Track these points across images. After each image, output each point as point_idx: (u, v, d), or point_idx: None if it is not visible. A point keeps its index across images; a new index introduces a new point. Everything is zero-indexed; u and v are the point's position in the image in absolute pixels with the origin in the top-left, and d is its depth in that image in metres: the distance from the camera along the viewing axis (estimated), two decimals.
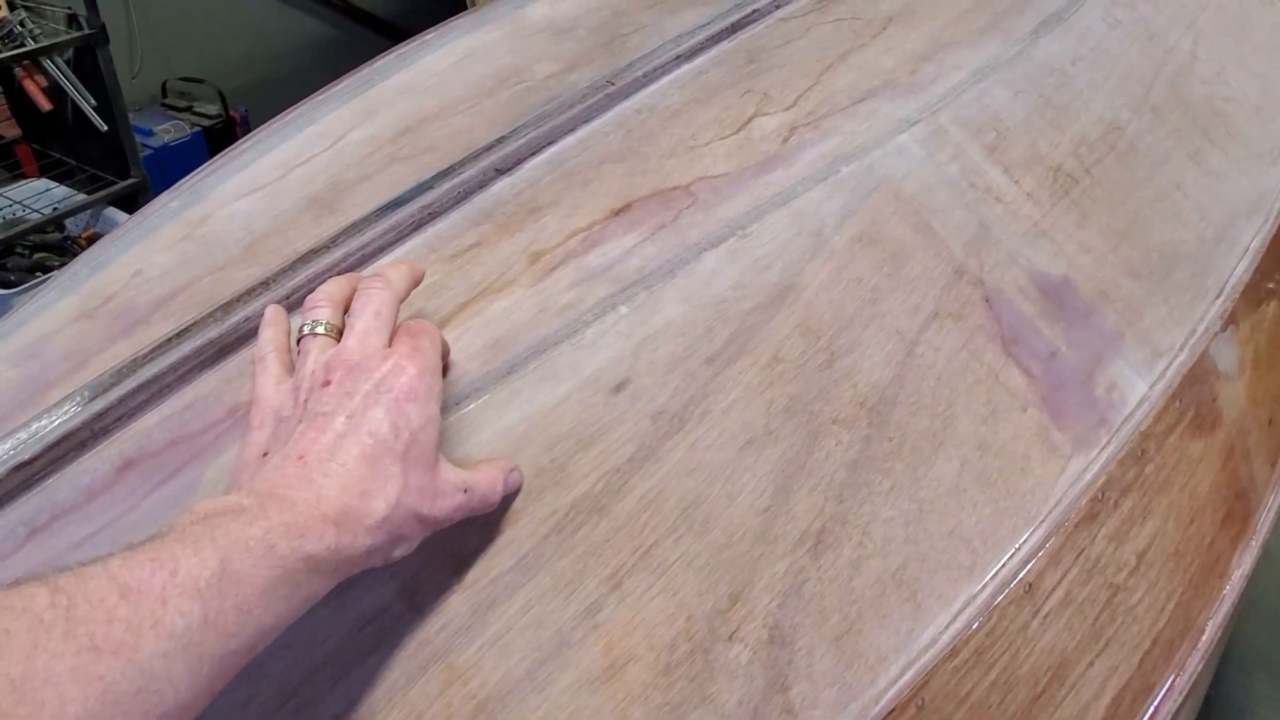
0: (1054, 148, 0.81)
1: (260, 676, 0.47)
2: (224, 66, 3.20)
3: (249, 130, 2.96)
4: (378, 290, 0.51)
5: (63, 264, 2.27)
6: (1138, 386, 0.70)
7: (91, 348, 0.62)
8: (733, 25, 0.87)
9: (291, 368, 0.51)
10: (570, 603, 0.51)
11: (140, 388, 0.57)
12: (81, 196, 2.41)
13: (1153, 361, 0.72)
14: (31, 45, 2.26)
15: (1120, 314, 0.73)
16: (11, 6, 2.25)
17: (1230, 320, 0.78)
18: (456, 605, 0.50)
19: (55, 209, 2.36)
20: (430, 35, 0.92)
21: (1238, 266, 0.82)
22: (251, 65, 3.35)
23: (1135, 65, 0.92)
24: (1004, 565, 0.59)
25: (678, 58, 0.82)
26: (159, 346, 0.59)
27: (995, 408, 0.64)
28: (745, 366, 0.60)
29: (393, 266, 0.54)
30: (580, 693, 0.49)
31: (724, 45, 0.85)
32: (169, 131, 2.90)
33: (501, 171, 0.71)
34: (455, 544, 0.51)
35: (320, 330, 0.50)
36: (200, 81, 3.13)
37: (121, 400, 0.56)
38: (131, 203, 2.46)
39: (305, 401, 0.47)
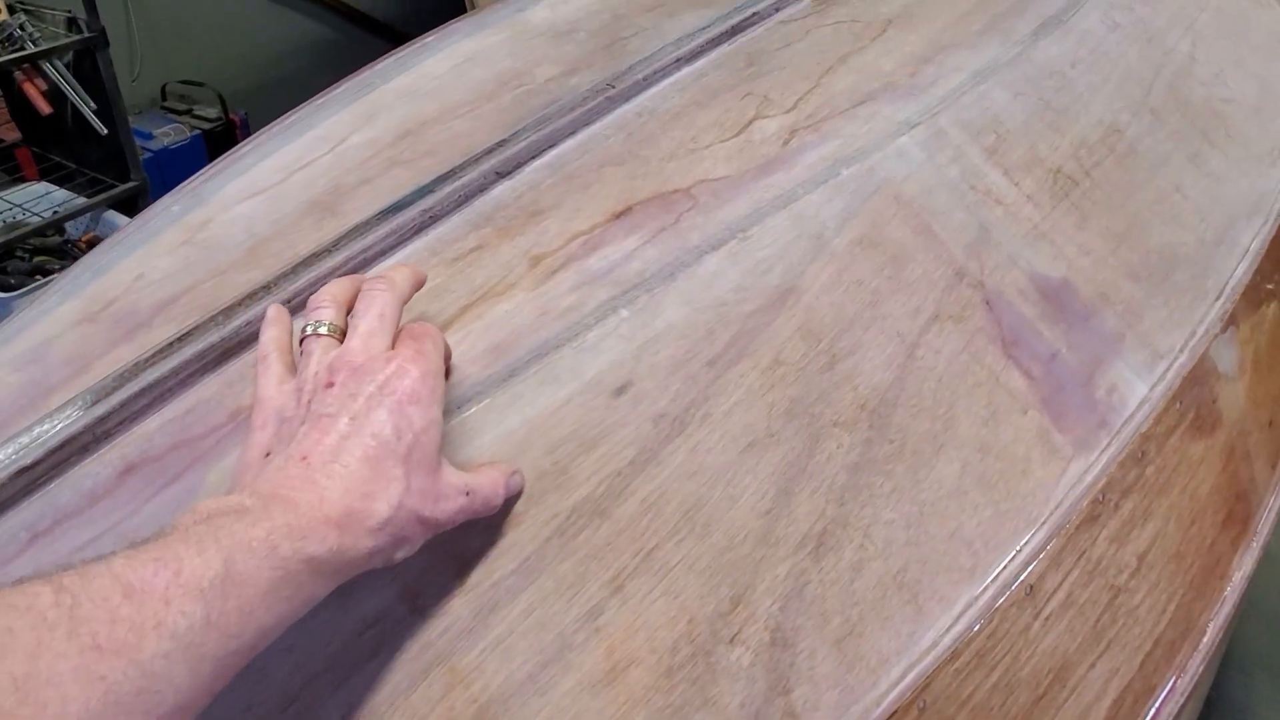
0: (1054, 150, 0.81)
1: (262, 681, 0.47)
2: (224, 69, 3.21)
3: (249, 133, 2.96)
4: (381, 292, 0.51)
5: (63, 267, 2.27)
6: (1138, 388, 0.70)
7: (93, 352, 0.62)
8: (733, 28, 0.87)
9: (294, 368, 0.51)
10: (572, 606, 0.51)
11: (142, 392, 0.57)
12: (81, 200, 2.41)
13: (1153, 363, 0.72)
14: (31, 49, 2.26)
15: (1120, 316, 0.73)
16: (11, 10, 2.25)
17: (1230, 322, 0.79)
18: (458, 608, 0.50)
19: (55, 212, 2.36)
20: (430, 38, 0.92)
21: (1237, 268, 0.82)
22: (251, 68, 3.36)
23: (1134, 67, 0.92)
24: (1005, 567, 0.59)
25: (678, 61, 0.82)
26: (161, 350, 0.59)
27: (996, 410, 0.64)
28: (746, 369, 0.60)
29: (396, 269, 0.54)
30: (582, 696, 0.49)
31: (724, 48, 0.85)
32: (169, 134, 2.91)
33: (502, 175, 0.71)
34: (457, 547, 0.51)
35: (324, 331, 0.50)
36: (200, 84, 3.13)
37: (123, 404, 0.56)
38: (131, 206, 2.46)
39: (308, 402, 0.47)
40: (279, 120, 0.83)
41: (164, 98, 3.19)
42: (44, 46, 2.27)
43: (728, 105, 0.78)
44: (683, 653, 0.51)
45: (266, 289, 0.63)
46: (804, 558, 0.55)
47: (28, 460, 0.54)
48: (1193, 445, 0.71)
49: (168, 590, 0.36)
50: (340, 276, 0.63)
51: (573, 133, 0.75)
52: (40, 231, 2.32)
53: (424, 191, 0.69)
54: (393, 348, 0.49)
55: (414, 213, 0.67)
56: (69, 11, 2.31)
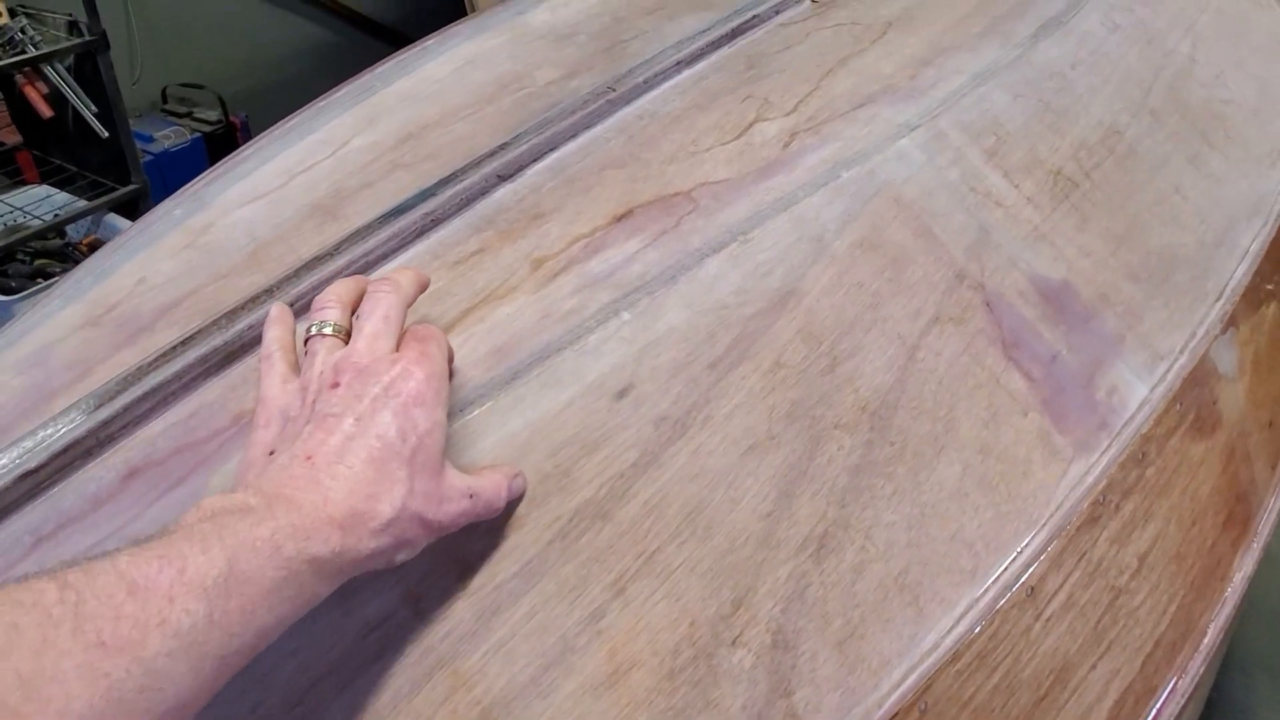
0: (1054, 152, 0.81)
1: (266, 684, 0.47)
2: (224, 72, 3.21)
3: (249, 136, 2.98)
4: (386, 294, 0.51)
5: (64, 270, 2.28)
6: (1138, 390, 0.70)
7: (96, 356, 0.63)
8: (733, 31, 0.87)
9: (297, 367, 0.51)
10: (574, 608, 0.51)
11: (145, 396, 0.57)
12: (82, 203, 2.41)
13: (1153, 364, 0.72)
14: (32, 52, 2.26)
15: (1120, 317, 0.73)
16: (12, 13, 2.25)
17: (1230, 323, 0.79)
18: (461, 611, 0.50)
19: (56, 215, 2.36)
20: (431, 41, 0.92)
21: (1237, 269, 0.82)
22: (251, 71, 3.36)
23: (1134, 69, 0.92)
24: (1006, 569, 0.59)
25: (678, 63, 0.83)
26: (163, 354, 0.60)
27: (996, 411, 0.64)
28: (747, 372, 0.60)
29: (400, 271, 0.54)
30: (584, 698, 0.49)
31: (724, 51, 0.86)
32: (169, 137, 2.91)
33: (504, 178, 0.71)
34: (460, 550, 0.51)
35: (328, 331, 0.50)
36: (200, 87, 3.14)
37: (126, 408, 0.56)
38: (132, 209, 2.46)
39: (313, 402, 0.47)
40: (280, 124, 0.84)
41: (164, 100, 3.19)
42: (45, 50, 2.28)
43: (728, 108, 0.78)
44: (684, 655, 0.51)
45: (269, 293, 0.63)
46: (805, 560, 0.55)
47: (31, 464, 0.54)
48: (1193, 446, 0.72)
49: (172, 588, 0.36)
50: (345, 277, 0.64)
51: (574, 136, 0.75)
52: (41, 234, 2.32)
53: (426, 195, 0.70)
54: (397, 350, 0.49)
55: (416, 216, 0.67)
56: (70, 15, 2.31)
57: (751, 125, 0.76)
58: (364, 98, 0.85)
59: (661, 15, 0.92)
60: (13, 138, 2.62)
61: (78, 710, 0.33)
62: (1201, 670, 0.66)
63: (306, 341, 0.51)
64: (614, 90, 0.79)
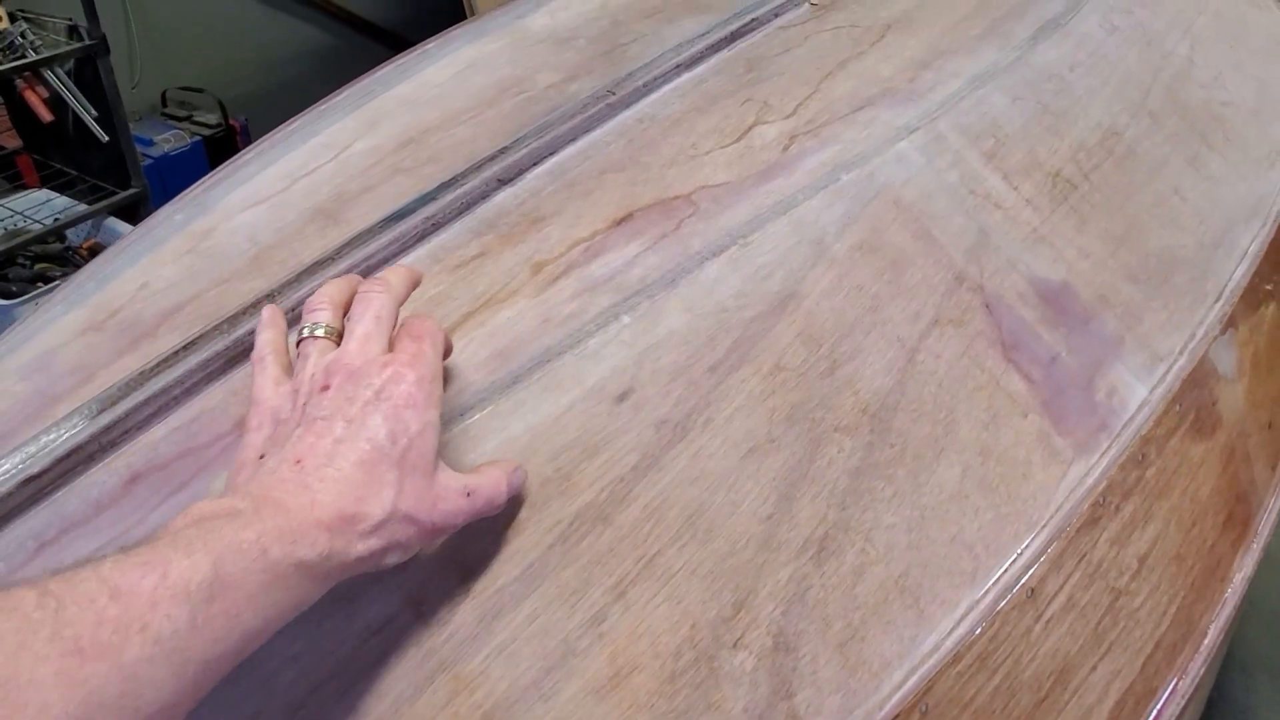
0: (1053, 154, 0.81)
1: (268, 689, 0.47)
2: (224, 76, 3.21)
3: (249, 139, 2.99)
4: (378, 294, 0.51)
5: (64, 274, 2.28)
6: (1138, 391, 0.70)
7: (98, 361, 0.63)
8: (732, 34, 0.87)
9: (290, 369, 0.51)
10: (575, 612, 0.51)
11: (147, 401, 0.57)
12: (82, 207, 2.41)
13: (1153, 366, 0.72)
14: (32, 56, 2.26)
15: (1120, 319, 0.73)
16: (13, 18, 2.25)
17: (1229, 324, 0.79)
18: (462, 615, 0.50)
19: (56, 219, 2.36)
20: (431, 45, 0.92)
21: (1236, 270, 0.82)
22: (251, 74, 3.36)
23: (1133, 71, 0.92)
24: (1006, 570, 0.59)
25: (678, 67, 0.83)
26: (166, 359, 0.60)
27: (996, 413, 0.64)
28: (747, 375, 0.60)
29: (392, 270, 0.54)
30: (586, 701, 0.49)
31: (723, 54, 0.86)
32: (169, 141, 2.91)
33: (504, 182, 0.71)
34: (461, 553, 0.52)
35: (320, 333, 0.50)
36: (200, 91, 3.14)
37: (129, 413, 0.57)
38: (132, 212, 2.46)
39: (304, 405, 0.47)
40: (281, 127, 0.84)
41: (164, 104, 3.19)
42: (45, 54, 2.28)
43: (728, 111, 0.78)
44: (686, 658, 0.51)
45: (270, 297, 0.63)
46: (806, 562, 0.55)
47: (34, 469, 0.54)
48: (1193, 447, 0.72)
49: (154, 593, 0.36)
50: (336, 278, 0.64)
51: (573, 139, 0.75)
52: (41, 239, 2.32)
53: (426, 199, 0.70)
54: (391, 348, 0.49)
55: (416, 220, 0.68)
56: (70, 19, 2.32)
57: (751, 128, 0.77)
58: (364, 102, 0.85)
59: (661, 19, 0.93)
60: (13, 142, 2.63)
61: (54, 716, 0.33)
62: (1202, 671, 0.66)
63: (298, 344, 0.51)
64: (613, 94, 0.79)
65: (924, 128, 0.77)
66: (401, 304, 0.53)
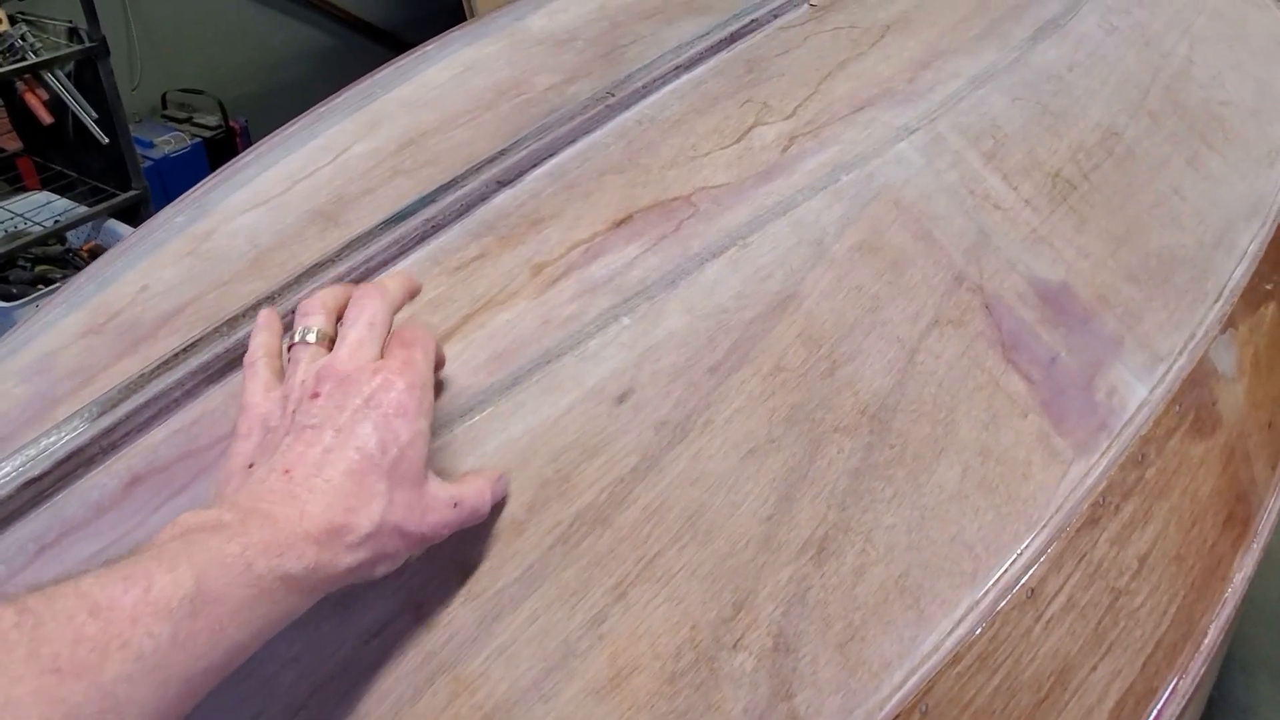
0: (1052, 154, 0.81)
1: (267, 691, 0.47)
2: (223, 77, 3.22)
3: (249, 141, 2.99)
4: (372, 300, 0.50)
5: (64, 277, 2.28)
6: (1138, 391, 0.70)
7: (99, 364, 0.63)
8: (731, 35, 0.87)
9: (282, 374, 0.51)
10: (575, 613, 0.51)
11: (148, 403, 0.57)
12: (83, 209, 2.42)
13: (1153, 366, 0.72)
14: (32, 59, 2.26)
15: (1120, 319, 0.73)
16: (13, 21, 2.26)
17: (1229, 323, 0.79)
18: (462, 617, 0.50)
19: (57, 222, 2.36)
20: (430, 47, 0.92)
21: (1236, 270, 0.82)
22: (251, 76, 3.36)
23: (1132, 71, 0.92)
24: (1006, 571, 0.59)
25: (677, 68, 0.83)
26: (166, 362, 0.60)
27: (996, 414, 0.64)
28: (747, 376, 0.60)
29: (389, 277, 0.54)
30: (586, 702, 0.49)
31: (723, 55, 0.86)
32: (169, 143, 2.91)
33: (503, 184, 0.71)
34: (460, 555, 0.52)
35: (311, 338, 0.50)
36: (200, 93, 3.14)
37: (129, 416, 0.57)
38: (133, 214, 2.46)
39: (293, 412, 0.46)
40: (281, 130, 0.84)
41: (164, 106, 3.20)
42: (45, 57, 2.28)
43: (727, 112, 0.78)
44: (686, 659, 0.51)
45: (270, 299, 0.63)
46: (806, 563, 0.55)
47: (35, 472, 0.54)
48: (1193, 447, 0.72)
49: (136, 608, 0.35)
50: (332, 284, 0.64)
51: (573, 141, 0.75)
52: (42, 241, 2.33)
53: (426, 201, 0.70)
54: (383, 355, 0.49)
55: (416, 222, 0.68)
56: (70, 22, 2.32)
57: (750, 129, 0.77)
58: (364, 104, 0.85)
59: (660, 20, 0.93)
60: (13, 144, 2.63)
61: None
62: (1202, 671, 0.66)
63: (290, 349, 0.50)
64: (613, 95, 0.79)
65: (923, 128, 0.77)
66: (397, 311, 0.52)
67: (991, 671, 0.57)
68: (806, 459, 0.58)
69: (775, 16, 0.91)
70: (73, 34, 2.32)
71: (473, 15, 2.52)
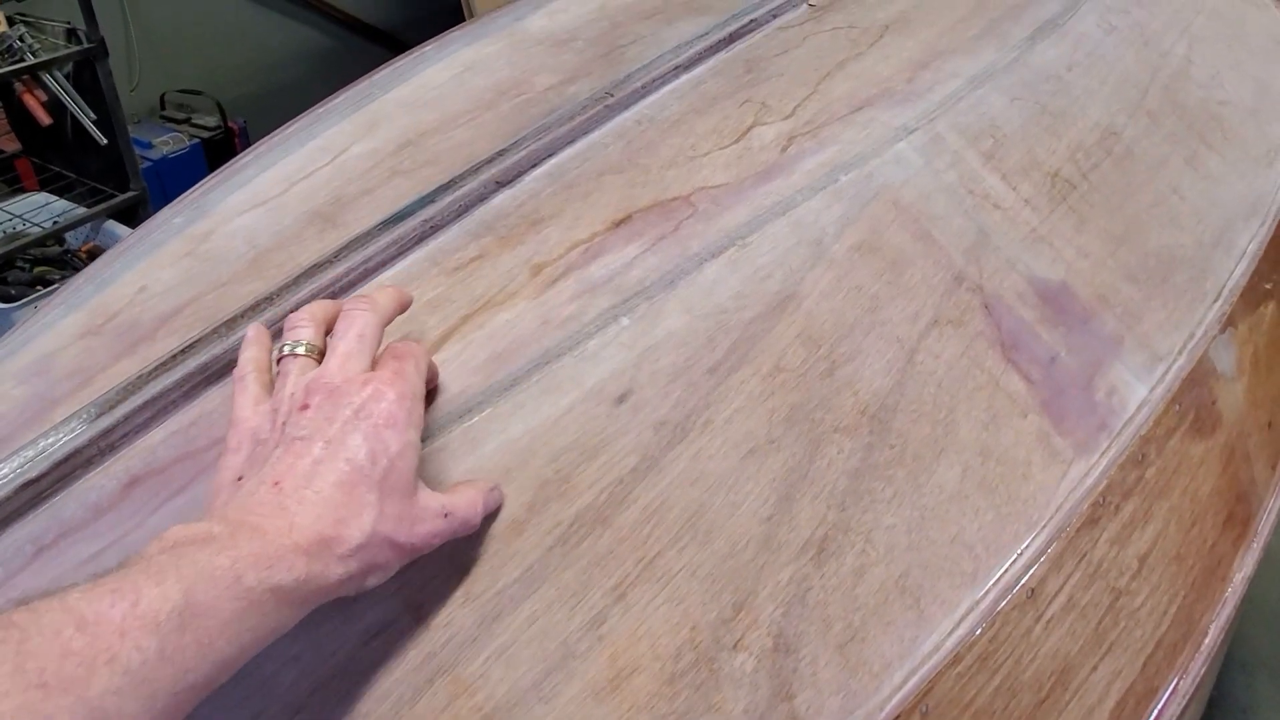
0: (1051, 154, 0.81)
1: (267, 691, 0.47)
2: (222, 78, 3.22)
3: (248, 141, 2.99)
4: (362, 312, 0.50)
5: (63, 278, 2.28)
6: (1138, 390, 0.70)
7: (97, 365, 0.63)
8: (730, 35, 0.87)
9: (271, 388, 0.50)
10: (575, 614, 0.51)
11: (146, 404, 0.57)
12: (81, 210, 2.42)
13: (1152, 365, 0.72)
14: (31, 60, 2.26)
15: (1119, 318, 0.73)
16: (11, 22, 2.26)
17: (1229, 323, 0.79)
18: (462, 617, 0.50)
19: (55, 223, 2.36)
20: (429, 48, 0.92)
21: (1236, 269, 0.82)
22: (250, 77, 3.36)
23: (1131, 70, 0.92)
24: (1006, 571, 0.59)
25: (676, 68, 0.83)
26: (164, 363, 0.60)
27: (996, 414, 0.64)
28: (747, 376, 0.60)
29: (380, 290, 0.54)
30: (586, 703, 0.49)
31: (722, 55, 0.86)
32: (168, 144, 2.91)
33: (502, 184, 0.71)
34: (460, 556, 0.51)
35: (300, 351, 0.49)
36: (199, 93, 3.14)
37: (127, 417, 0.57)
38: (131, 215, 2.46)
39: (283, 425, 0.46)
40: (279, 130, 0.84)
41: (163, 107, 3.20)
42: (44, 58, 2.28)
43: (726, 112, 0.78)
44: (686, 659, 0.51)
45: (269, 300, 0.63)
46: (806, 563, 0.55)
47: (33, 474, 0.54)
48: (1193, 447, 0.72)
49: (123, 622, 0.35)
50: (341, 288, 0.64)
51: (572, 141, 0.75)
52: (40, 242, 2.33)
53: (425, 201, 0.70)
54: (373, 368, 0.49)
55: (415, 223, 0.67)
56: (68, 23, 2.32)
57: (749, 129, 0.76)
58: (363, 104, 0.85)
59: (659, 20, 0.93)
60: (11, 145, 2.63)
61: None
62: (1203, 670, 0.66)
63: (278, 361, 0.50)
64: (612, 96, 0.79)
65: (922, 128, 0.77)
66: (388, 324, 0.52)
67: (992, 672, 0.57)
68: (806, 459, 0.58)
69: (774, 16, 0.91)
70: (71, 35, 2.32)
71: (472, 15, 2.52)
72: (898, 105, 0.79)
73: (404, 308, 0.55)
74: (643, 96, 0.80)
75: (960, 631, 0.56)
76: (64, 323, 0.67)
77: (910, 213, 0.71)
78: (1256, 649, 1.49)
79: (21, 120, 2.50)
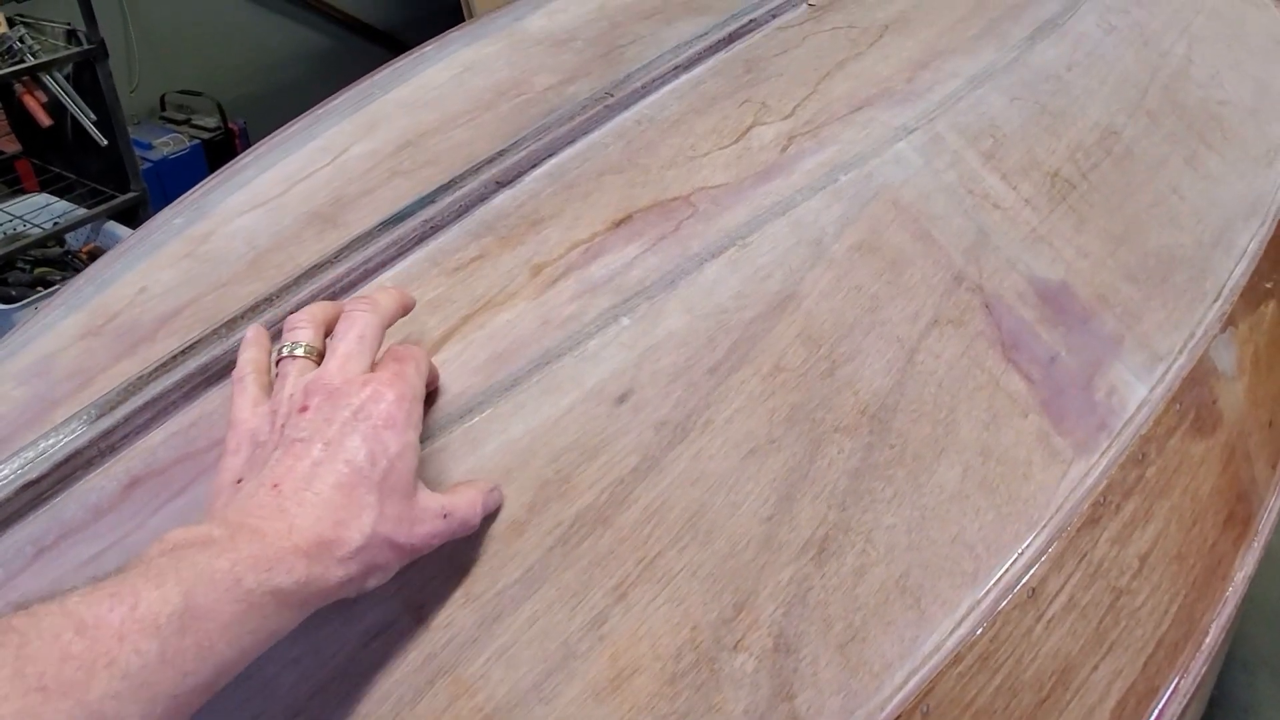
0: (1051, 153, 0.81)
1: (267, 692, 0.47)
2: (222, 79, 3.22)
3: (248, 142, 2.99)
4: (362, 313, 0.50)
5: (64, 279, 2.28)
6: (1138, 390, 0.70)
7: (97, 366, 0.63)
8: (730, 35, 0.87)
9: (270, 390, 0.50)
10: (576, 614, 0.51)
11: (146, 405, 0.57)
12: (82, 211, 2.42)
13: (1152, 365, 0.72)
14: (31, 61, 2.27)
15: (1119, 318, 0.73)
16: (11, 23, 2.26)
17: (1229, 322, 0.79)
18: (463, 618, 0.50)
19: (56, 224, 2.36)
20: (429, 48, 0.92)
21: (1235, 269, 0.82)
22: (250, 77, 3.36)
23: (1130, 70, 0.92)
24: (1007, 570, 0.59)
25: (676, 68, 0.83)
26: (164, 364, 0.60)
27: (996, 413, 0.64)
28: (747, 376, 0.60)
29: (381, 290, 0.54)
30: (587, 703, 0.49)
31: (721, 55, 0.86)
32: (168, 144, 2.91)
33: (502, 184, 0.71)
34: (461, 557, 0.51)
35: (299, 352, 0.49)
36: (198, 94, 3.14)
37: (128, 418, 0.57)
38: (131, 216, 2.47)
39: (282, 427, 0.46)
40: (279, 131, 0.84)
41: (163, 108, 3.20)
42: (44, 59, 2.28)
43: (726, 112, 0.78)
44: (686, 659, 0.51)
45: (269, 301, 0.63)
46: (806, 563, 0.55)
47: (33, 475, 0.54)
48: (1193, 446, 0.72)
49: (123, 626, 0.35)
50: (342, 289, 0.64)
51: (572, 141, 0.75)
52: (41, 243, 2.33)
53: (425, 202, 0.70)
54: (373, 370, 0.48)
55: (415, 223, 0.67)
56: (68, 24, 2.32)
57: (749, 129, 0.76)
58: (363, 105, 0.85)
59: (659, 20, 0.93)
60: (12, 146, 2.63)
61: None
62: (1204, 670, 0.66)
63: (277, 363, 0.50)
64: (612, 96, 0.79)
65: (922, 128, 0.77)
66: (389, 326, 0.52)
67: (993, 672, 0.57)
68: (807, 459, 0.58)
69: (774, 16, 0.91)
70: (71, 36, 2.32)
71: (471, 16, 2.52)
72: (897, 105, 0.79)
73: (406, 310, 0.55)
74: (642, 96, 0.80)
75: (961, 631, 0.56)
76: (64, 324, 0.67)
77: (910, 212, 0.71)
78: (1258, 648, 1.49)
79: (22, 121, 2.50)
